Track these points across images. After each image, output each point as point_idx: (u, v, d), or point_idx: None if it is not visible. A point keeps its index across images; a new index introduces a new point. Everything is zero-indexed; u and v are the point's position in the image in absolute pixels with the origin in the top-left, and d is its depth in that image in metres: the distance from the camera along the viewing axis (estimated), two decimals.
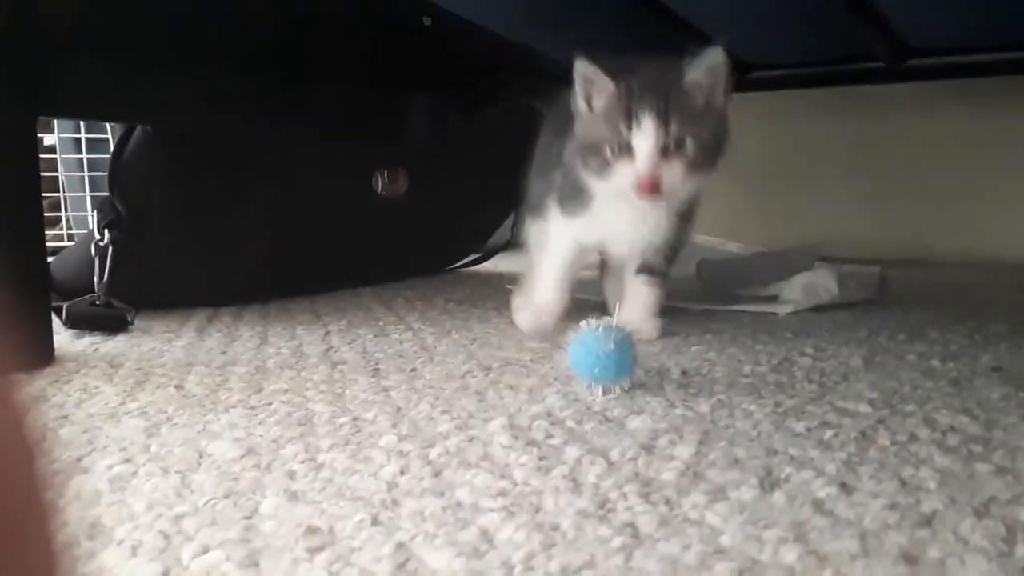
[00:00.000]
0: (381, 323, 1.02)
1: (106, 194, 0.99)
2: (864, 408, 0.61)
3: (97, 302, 0.94)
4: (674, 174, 0.76)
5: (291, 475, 0.48)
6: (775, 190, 1.73)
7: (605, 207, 0.83)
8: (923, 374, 0.71)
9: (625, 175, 0.76)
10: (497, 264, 1.65)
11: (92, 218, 1.62)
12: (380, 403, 0.64)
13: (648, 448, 0.52)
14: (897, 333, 0.89)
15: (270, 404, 0.64)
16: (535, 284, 0.91)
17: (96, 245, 0.94)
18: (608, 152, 0.77)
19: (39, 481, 0.21)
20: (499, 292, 1.32)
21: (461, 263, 1.61)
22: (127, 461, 0.51)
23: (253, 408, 0.63)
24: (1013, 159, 1.52)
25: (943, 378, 0.69)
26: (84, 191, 1.59)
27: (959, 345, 0.82)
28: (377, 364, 0.79)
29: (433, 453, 0.51)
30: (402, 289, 1.31)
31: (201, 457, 0.52)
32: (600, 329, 0.65)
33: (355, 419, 0.60)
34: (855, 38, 1.12)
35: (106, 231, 0.94)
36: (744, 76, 1.30)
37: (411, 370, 0.76)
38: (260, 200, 1.12)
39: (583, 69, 0.79)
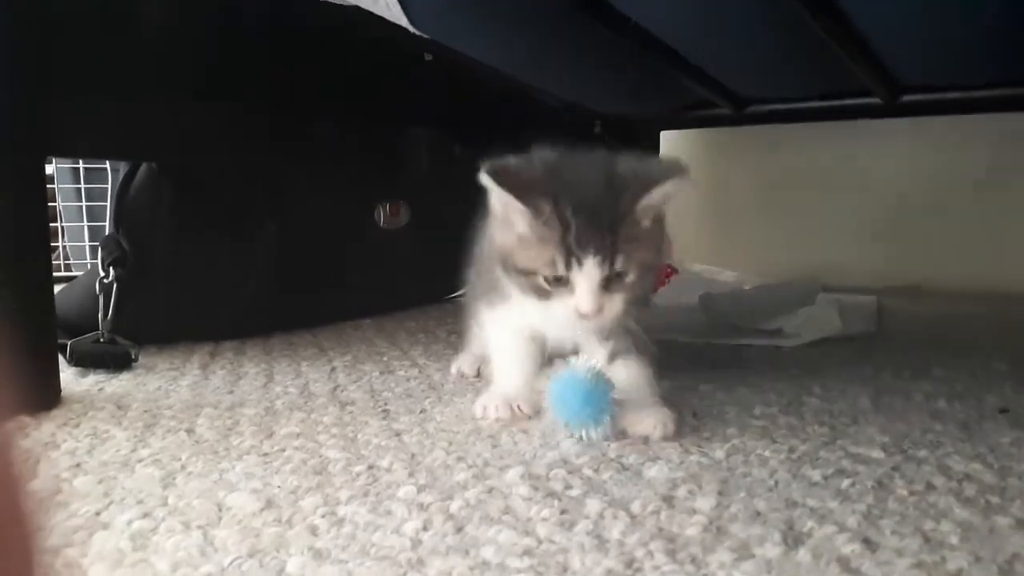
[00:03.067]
0: (386, 358, 1.02)
1: (110, 230, 0.98)
2: (877, 454, 0.61)
3: (101, 339, 0.93)
4: (615, 305, 0.65)
5: (313, 530, 0.48)
6: (771, 220, 1.74)
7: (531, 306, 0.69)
8: (931, 416, 0.72)
9: (562, 306, 0.65)
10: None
11: (88, 247, 1.62)
12: (394, 449, 0.64)
13: (668, 500, 0.52)
14: (902, 370, 0.90)
15: (283, 450, 0.64)
16: (494, 376, 0.77)
17: (101, 282, 0.94)
18: (541, 281, 0.65)
19: (25, 519, 0.21)
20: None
21: (461, 292, 1.61)
22: (146, 516, 0.50)
23: (267, 455, 0.63)
24: (1010, 191, 1.54)
25: (951, 420, 0.70)
26: (82, 221, 1.59)
27: (964, 384, 0.83)
28: (386, 404, 0.79)
29: (454, 506, 0.51)
30: (404, 320, 1.31)
31: (221, 510, 0.51)
32: (580, 370, 0.64)
33: (371, 467, 0.59)
34: (851, 74, 1.13)
35: (111, 268, 0.93)
36: (741, 111, 1.32)
37: (421, 411, 0.76)
38: (264, 234, 1.12)
39: (496, 192, 0.65)
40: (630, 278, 0.65)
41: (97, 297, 0.95)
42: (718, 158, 1.82)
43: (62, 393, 0.81)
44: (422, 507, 0.51)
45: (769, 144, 1.68)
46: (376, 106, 1.20)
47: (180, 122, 0.94)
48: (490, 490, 0.54)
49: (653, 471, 0.57)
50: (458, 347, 0.99)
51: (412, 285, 1.41)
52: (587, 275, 0.63)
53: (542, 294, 0.66)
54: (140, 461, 0.62)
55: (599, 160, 0.67)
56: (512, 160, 0.66)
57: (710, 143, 1.81)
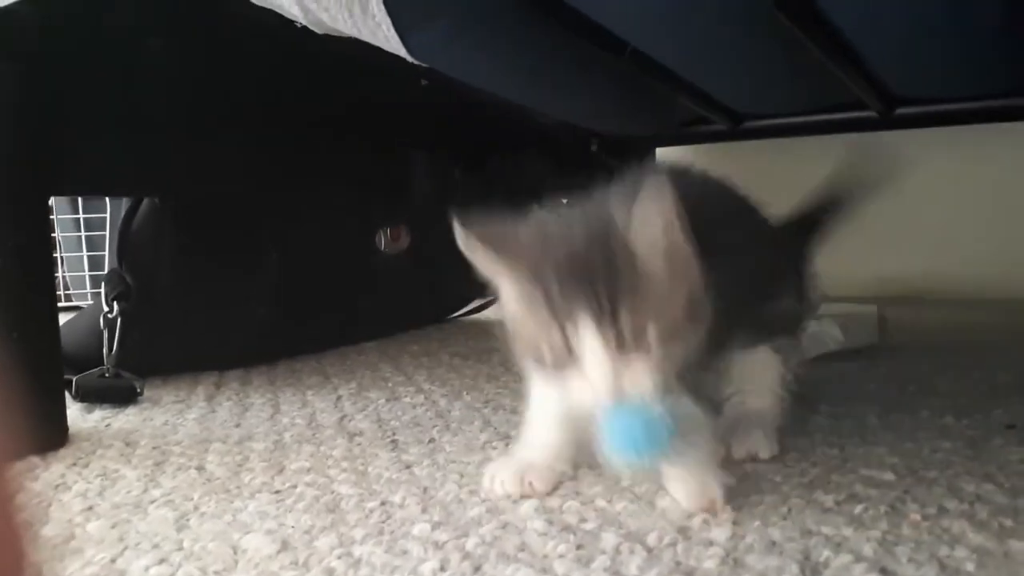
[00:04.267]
0: (391, 384, 1.02)
1: (112, 264, 0.99)
2: (888, 476, 0.61)
3: (106, 374, 0.94)
4: (638, 375, 0.49)
5: (330, 573, 0.48)
6: None
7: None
8: (939, 433, 0.72)
9: (577, 388, 0.51)
10: (497, 312, 1.66)
11: (88, 277, 1.62)
12: (405, 483, 0.64)
13: (683, 531, 0.52)
14: (906, 385, 0.90)
15: (295, 487, 0.64)
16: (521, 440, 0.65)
17: (105, 317, 0.94)
18: (547, 355, 0.52)
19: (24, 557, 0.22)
20: (502, 344, 1.33)
21: (462, 311, 1.61)
22: (163, 561, 0.50)
23: (279, 492, 0.63)
24: (1007, 197, 1.55)
25: (959, 438, 0.70)
26: (81, 251, 1.59)
27: (969, 398, 0.83)
28: (394, 434, 0.79)
29: (469, 544, 0.51)
30: (406, 343, 1.31)
31: (236, 553, 0.51)
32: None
33: (383, 503, 0.59)
34: (846, 87, 1.14)
35: (115, 303, 0.94)
36: (737, 127, 1.32)
37: (429, 441, 0.76)
38: (267, 261, 1.12)
39: (476, 254, 0.53)
40: (649, 338, 0.49)
41: (101, 332, 0.95)
42: (719, 170, 1.83)
43: (69, 431, 0.81)
44: (438, 545, 0.51)
45: (768, 158, 1.69)
46: (375, 131, 1.20)
47: (181, 157, 0.94)
48: (505, 525, 0.54)
49: (666, 500, 0.58)
50: (467, 373, 0.99)
51: (414, 307, 1.41)
52: (588, 340, 0.49)
53: (550, 372, 0.53)
54: (152, 502, 0.62)
55: (578, 202, 0.56)
56: (493, 221, 0.55)
57: (707, 159, 1.81)
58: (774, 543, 0.50)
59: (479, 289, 1.60)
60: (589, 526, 0.53)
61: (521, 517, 0.55)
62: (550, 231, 0.53)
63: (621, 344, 0.49)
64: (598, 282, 0.49)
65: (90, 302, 1.49)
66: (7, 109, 0.75)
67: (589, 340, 0.49)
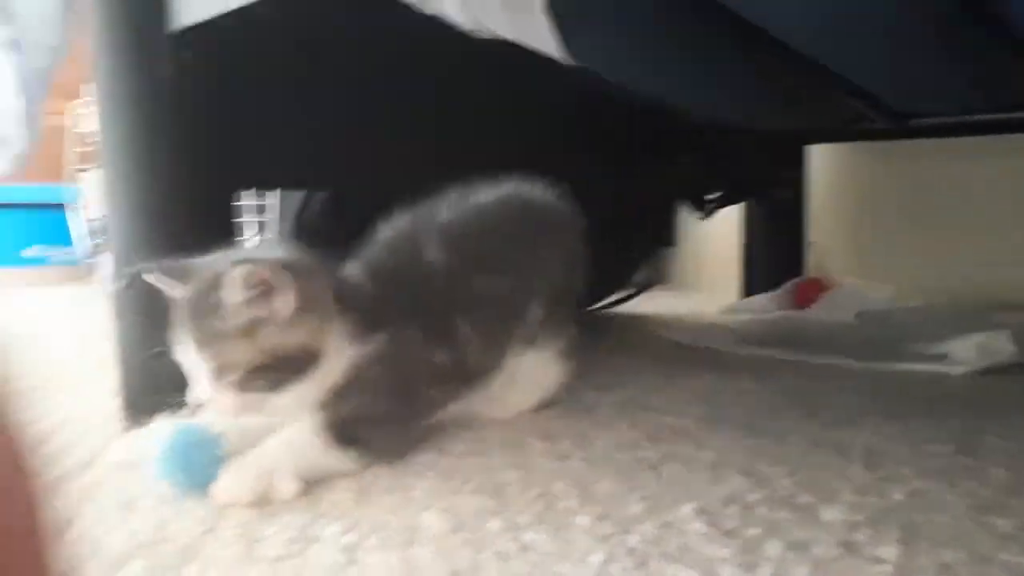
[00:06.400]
0: None
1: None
2: None
3: None
4: (226, 404, 0.64)
5: (503, 556, 0.51)
6: (932, 233, 1.66)
7: None
8: None
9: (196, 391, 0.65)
10: (639, 304, 1.67)
11: None
12: (564, 474, 0.66)
13: (848, 545, 0.52)
14: None
15: (459, 470, 0.68)
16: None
17: None
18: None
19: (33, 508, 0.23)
20: (644, 339, 1.34)
21: (604, 303, 1.63)
22: (349, 530, 0.55)
23: (445, 473, 0.67)
24: None
25: None
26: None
27: None
28: (546, 425, 0.81)
29: (632, 540, 0.53)
30: None
31: (414, 529, 0.56)
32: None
33: (544, 492, 0.62)
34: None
35: None
36: (900, 125, 1.27)
37: (581, 435, 0.78)
38: None
39: (150, 281, 0.69)
40: (234, 378, 0.63)
41: None
42: (874, 167, 1.75)
43: None
44: (601, 538, 0.54)
45: (932, 155, 1.60)
46: (523, 129, 1.24)
47: (350, 155, 1.01)
48: (666, 525, 0.56)
49: (829, 513, 0.57)
50: (612, 368, 1.00)
51: None
52: (192, 362, 0.64)
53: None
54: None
55: (225, 263, 0.65)
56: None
57: (864, 152, 1.74)
58: (947, 566, 0.49)
59: (621, 281, 1.63)
60: (751, 533, 0.54)
61: (681, 518, 0.57)
62: (196, 273, 0.67)
63: (215, 372, 0.63)
64: (200, 323, 0.64)
65: None
66: (204, 111, 0.83)
67: (191, 363, 0.64)
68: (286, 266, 0.64)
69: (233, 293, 0.63)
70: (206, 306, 0.64)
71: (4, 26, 0.52)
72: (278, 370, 0.64)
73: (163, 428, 0.64)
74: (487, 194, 0.85)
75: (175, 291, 0.67)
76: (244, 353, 0.63)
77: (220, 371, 0.63)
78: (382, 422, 0.69)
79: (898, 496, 0.60)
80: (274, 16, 0.76)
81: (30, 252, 2.43)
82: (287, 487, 0.61)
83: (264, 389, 0.64)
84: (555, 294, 0.84)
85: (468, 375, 0.79)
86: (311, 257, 0.70)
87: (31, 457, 0.22)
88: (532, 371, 0.84)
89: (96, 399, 0.94)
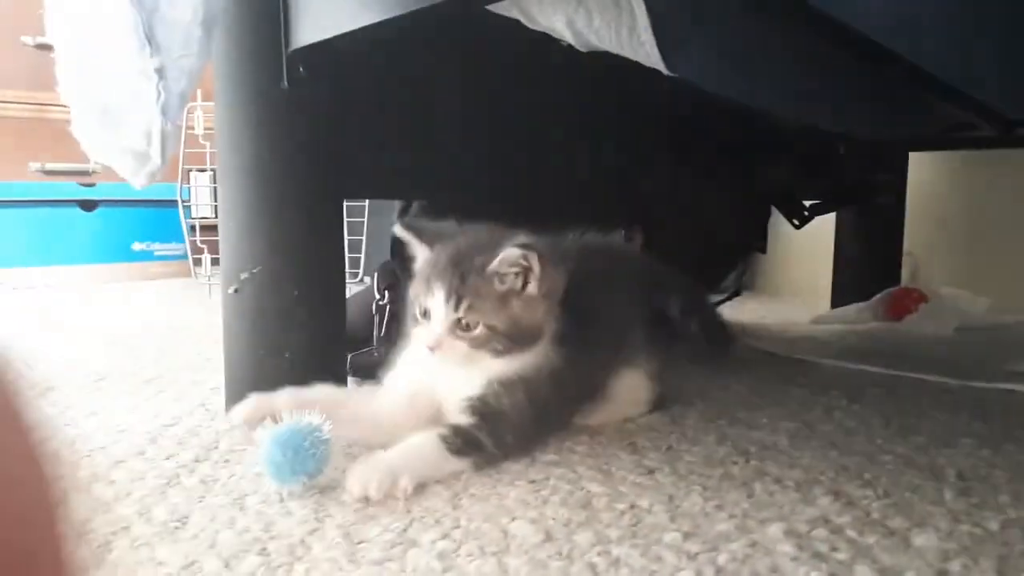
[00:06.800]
0: None
1: (386, 259, 1.11)
2: None
3: (376, 353, 1.05)
4: (457, 352, 0.73)
5: (593, 568, 0.53)
6: None
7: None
8: None
9: (421, 333, 0.75)
10: (728, 311, 1.65)
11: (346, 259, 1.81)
12: (651, 488, 0.68)
13: (942, 574, 0.52)
14: None
15: (547, 479, 0.70)
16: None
17: (376, 304, 1.06)
18: (417, 308, 0.76)
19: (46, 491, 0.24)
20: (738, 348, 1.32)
21: None
22: (445, 537, 0.58)
23: (534, 482, 0.69)
24: None
25: None
26: None
27: None
28: (632, 437, 0.83)
29: (721, 559, 0.54)
30: None
31: (506, 537, 0.58)
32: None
33: (632, 506, 0.64)
34: None
35: (386, 292, 1.05)
36: (1008, 133, 1.22)
37: (667, 448, 0.79)
38: None
39: (401, 235, 0.80)
40: (475, 333, 0.73)
41: (371, 315, 1.07)
42: (974, 177, 1.69)
43: None
44: (689, 556, 0.55)
45: None
46: (616, 137, 1.24)
47: (446, 166, 1.04)
48: (754, 545, 0.56)
49: (921, 539, 0.57)
50: (698, 379, 1.00)
51: None
52: (436, 308, 0.73)
53: (415, 323, 0.76)
54: (438, 482, 0.70)
55: (494, 235, 0.76)
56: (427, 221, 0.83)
57: (965, 161, 1.68)
58: None
59: (712, 287, 1.62)
60: (841, 556, 0.54)
61: (769, 538, 0.57)
62: (461, 240, 0.77)
63: (456, 324, 0.73)
64: (456, 279, 0.72)
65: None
66: (316, 126, 0.87)
67: (436, 309, 0.73)
68: (541, 254, 0.73)
69: (503, 265, 0.73)
70: (472, 267, 0.73)
71: (154, 56, 0.57)
72: (510, 338, 0.74)
73: (274, 426, 0.68)
74: (585, 235, 0.94)
75: (423, 248, 0.78)
76: (493, 315, 0.73)
77: (465, 325, 0.73)
78: (512, 423, 0.75)
79: (993, 525, 0.59)
80: (383, 37, 0.79)
81: (139, 247, 2.58)
82: (406, 486, 0.66)
83: (493, 351, 0.74)
84: (646, 320, 0.91)
85: (592, 393, 0.86)
86: (557, 253, 0.77)
87: (47, 453, 0.24)
88: (626, 389, 0.89)
89: (204, 395, 1.00)
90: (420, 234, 0.79)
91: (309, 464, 0.66)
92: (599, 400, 0.87)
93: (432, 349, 0.73)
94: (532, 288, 0.74)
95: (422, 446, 0.71)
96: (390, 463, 0.68)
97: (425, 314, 0.75)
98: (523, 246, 0.72)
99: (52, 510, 0.24)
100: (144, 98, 0.59)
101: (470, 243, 0.76)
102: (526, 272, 0.73)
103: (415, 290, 0.77)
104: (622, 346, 0.88)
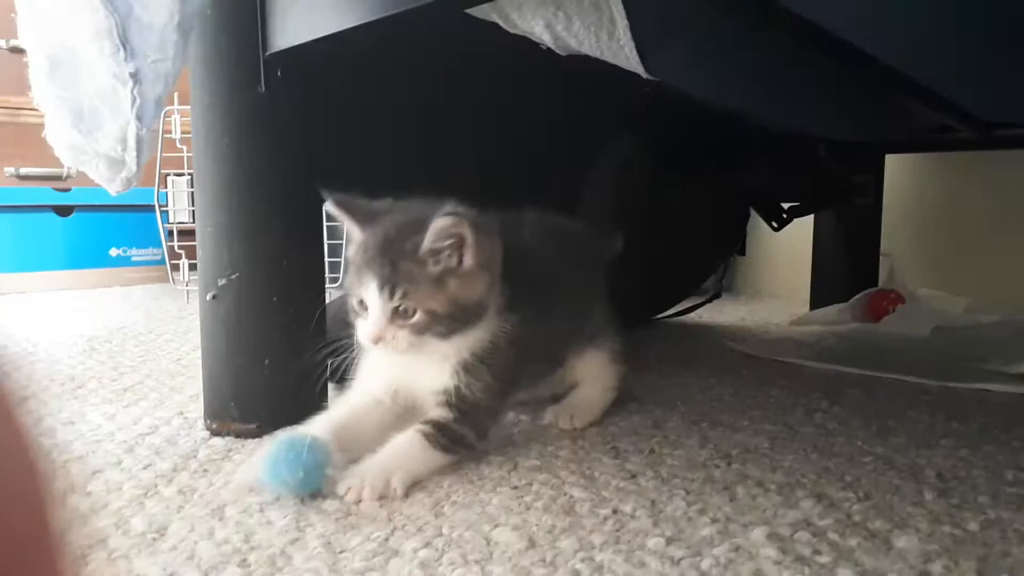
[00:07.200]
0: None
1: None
2: None
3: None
4: (400, 342, 0.70)
5: (577, 575, 0.53)
6: (1012, 244, 1.61)
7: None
8: None
9: (361, 327, 0.72)
10: (702, 315, 1.66)
11: (326, 263, 1.80)
12: (634, 493, 0.68)
13: None
14: None
15: (530, 485, 0.70)
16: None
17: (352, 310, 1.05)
18: (354, 301, 0.73)
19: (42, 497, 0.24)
20: (713, 350, 1.33)
21: (670, 313, 1.63)
22: (427, 545, 0.58)
23: (516, 488, 0.69)
24: None
25: None
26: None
27: None
28: (614, 440, 0.83)
29: (704, 564, 0.54)
30: None
31: (489, 545, 0.58)
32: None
33: (615, 511, 0.63)
34: None
35: None
36: (985, 135, 1.23)
37: (650, 452, 0.79)
38: None
39: (333, 211, 0.74)
40: (415, 320, 0.69)
41: (344, 320, 1.06)
42: (950, 178, 1.71)
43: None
44: (673, 561, 0.55)
45: (1009, 165, 1.55)
46: (596, 141, 1.25)
47: (428, 168, 1.03)
48: (737, 549, 0.56)
49: (902, 541, 0.57)
50: (679, 381, 1.00)
51: (620, 309, 1.44)
52: (371, 300, 0.70)
53: (355, 317, 0.73)
54: (421, 489, 0.69)
55: (426, 208, 0.71)
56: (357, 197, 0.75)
57: (942, 162, 1.70)
58: None
59: (690, 290, 1.63)
60: (823, 559, 0.54)
61: (752, 542, 0.57)
62: (385, 219, 0.72)
63: (395, 312, 0.69)
64: (387, 267, 0.68)
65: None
66: (293, 130, 0.86)
67: (371, 300, 0.70)
68: (473, 223, 0.69)
69: (432, 240, 0.68)
70: (403, 251, 0.69)
71: (129, 61, 0.56)
72: (453, 319, 0.71)
73: (275, 435, 0.69)
74: (542, 213, 0.92)
75: (355, 229, 0.73)
76: (431, 298, 0.70)
77: (404, 313, 0.70)
78: (486, 409, 0.76)
79: (973, 526, 0.60)
80: (358, 40, 0.78)
81: (116, 252, 2.55)
82: (397, 488, 0.67)
83: (438, 335, 0.71)
84: (607, 302, 0.94)
85: (553, 361, 0.88)
86: (489, 219, 0.73)
87: (44, 461, 0.24)
88: (593, 367, 0.92)
89: (182, 403, 0.99)
90: (352, 212, 0.73)
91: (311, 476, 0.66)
92: (561, 374, 0.90)
93: (375, 342, 0.70)
94: (468, 260, 0.70)
95: (410, 447, 0.71)
96: (381, 466, 0.68)
97: (362, 304, 0.72)
98: (453, 215, 0.68)
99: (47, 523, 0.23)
100: (119, 103, 0.58)
101: (399, 223, 0.71)
102: (460, 244, 0.69)
103: (349, 281, 0.74)
104: (581, 321, 0.89)
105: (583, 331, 0.90)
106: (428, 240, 0.68)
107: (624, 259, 1.38)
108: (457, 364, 0.74)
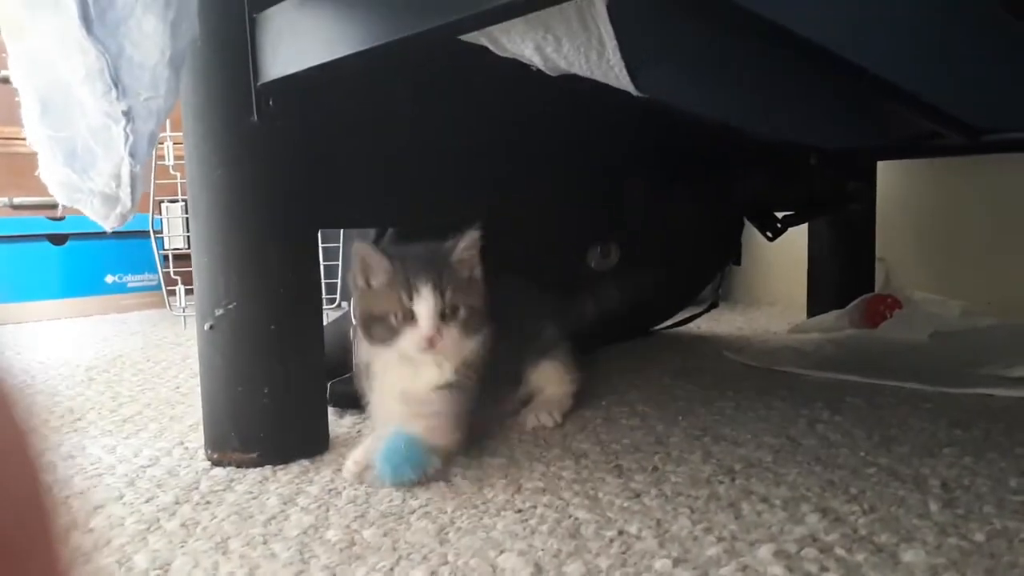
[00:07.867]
0: (604, 403, 1.05)
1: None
2: None
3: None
4: (451, 335, 0.82)
5: None
6: (1007, 248, 1.61)
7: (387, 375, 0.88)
8: None
9: (410, 338, 0.82)
10: (700, 325, 1.66)
11: (323, 284, 1.80)
12: (639, 513, 0.67)
13: None
14: None
15: (535, 507, 0.69)
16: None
17: (353, 329, 1.05)
18: (393, 320, 0.82)
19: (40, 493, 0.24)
20: (713, 361, 1.33)
21: (668, 324, 1.63)
22: (433, 574, 0.57)
23: (521, 511, 0.69)
24: None
25: None
26: None
27: None
28: (617, 458, 0.82)
29: None
30: (615, 358, 1.35)
31: (495, 572, 0.57)
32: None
33: (621, 533, 0.63)
34: None
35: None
36: (975, 141, 1.24)
37: (653, 469, 0.79)
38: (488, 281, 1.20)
39: (361, 251, 0.85)
40: (460, 314, 0.82)
41: (348, 342, 1.06)
42: (946, 182, 1.71)
43: (330, 436, 0.92)
44: None
45: (1008, 169, 1.56)
46: (591, 155, 1.25)
47: (422, 192, 1.03)
48: (744, 568, 0.56)
49: (909, 554, 0.57)
50: (681, 395, 1.00)
51: (618, 321, 1.44)
52: (425, 301, 0.80)
53: (393, 335, 0.83)
54: (412, 512, 0.69)
55: (432, 242, 0.87)
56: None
57: (935, 167, 1.70)
58: None
59: (687, 300, 1.63)
60: None
61: (759, 560, 0.57)
62: (412, 250, 0.87)
63: (443, 311, 0.81)
64: (435, 273, 0.81)
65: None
66: (287, 158, 0.86)
67: (425, 302, 0.81)
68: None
69: (463, 249, 0.84)
70: (440, 257, 0.84)
71: (121, 99, 0.56)
72: (481, 318, 0.85)
73: (383, 435, 0.79)
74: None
75: (382, 261, 0.84)
76: (470, 295, 0.84)
77: (452, 311, 0.82)
78: (474, 408, 0.85)
79: (979, 536, 0.60)
80: (351, 69, 0.79)
81: (111, 279, 2.54)
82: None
83: (471, 332, 0.84)
84: (559, 319, 1.06)
85: (513, 378, 0.99)
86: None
87: (51, 490, 0.24)
88: (548, 381, 1.01)
89: (183, 432, 0.98)
90: (380, 249, 0.85)
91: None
92: (522, 390, 1.00)
93: (430, 343, 0.81)
94: (478, 272, 0.86)
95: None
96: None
97: (407, 317, 0.81)
98: (479, 229, 0.84)
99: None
100: (112, 141, 0.58)
101: (426, 244, 0.87)
102: (476, 256, 0.85)
103: (383, 306, 0.83)
104: (533, 336, 1.01)
105: (538, 345, 1.02)
106: (460, 248, 0.84)
107: (628, 279, 1.39)
108: (458, 363, 0.85)
